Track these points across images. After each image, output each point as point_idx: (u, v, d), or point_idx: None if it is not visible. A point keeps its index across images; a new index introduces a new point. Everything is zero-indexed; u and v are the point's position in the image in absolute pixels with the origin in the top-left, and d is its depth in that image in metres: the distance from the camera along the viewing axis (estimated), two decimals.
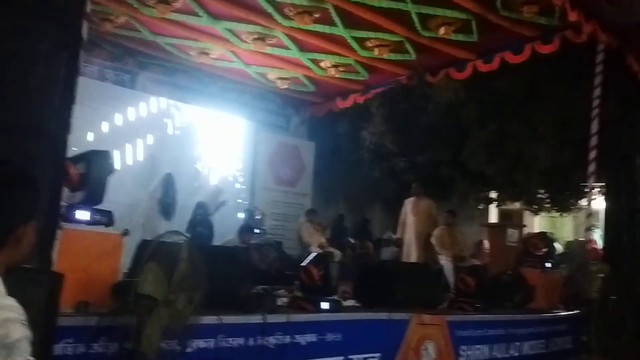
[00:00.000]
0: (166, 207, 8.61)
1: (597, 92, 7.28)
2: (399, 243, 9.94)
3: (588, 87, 7.43)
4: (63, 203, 3.91)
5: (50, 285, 2.74)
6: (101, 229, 3.94)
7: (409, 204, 9.67)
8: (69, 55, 3.02)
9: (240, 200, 10.65)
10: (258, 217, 9.60)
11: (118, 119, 9.28)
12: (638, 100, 7.76)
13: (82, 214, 3.80)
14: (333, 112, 11.15)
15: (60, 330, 3.15)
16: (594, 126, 7.26)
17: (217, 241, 9.13)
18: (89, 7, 3.52)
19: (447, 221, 9.14)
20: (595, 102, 7.28)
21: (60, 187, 2.93)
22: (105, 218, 3.88)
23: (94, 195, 3.92)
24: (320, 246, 9.38)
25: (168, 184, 8.84)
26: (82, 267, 3.64)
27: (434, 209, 9.70)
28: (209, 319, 3.75)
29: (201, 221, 8.61)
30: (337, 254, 8.98)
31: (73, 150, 4.01)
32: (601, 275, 6.82)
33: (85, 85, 8.18)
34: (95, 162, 4.01)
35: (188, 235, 8.15)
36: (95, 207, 3.91)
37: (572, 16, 6.61)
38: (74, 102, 3.22)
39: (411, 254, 9.35)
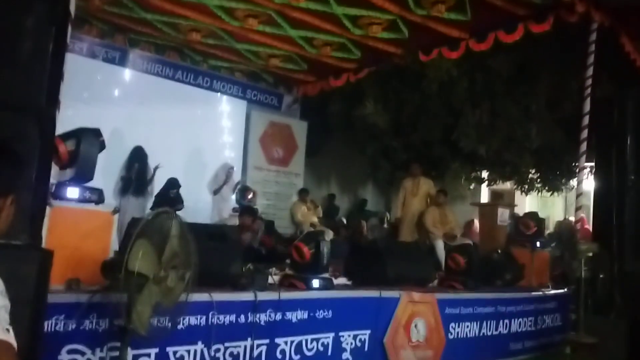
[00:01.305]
0: (126, 183, 8.38)
1: (589, 71, 7.28)
2: (398, 222, 9.98)
3: (580, 67, 7.43)
4: (53, 180, 3.91)
5: (40, 262, 2.73)
6: (91, 206, 3.94)
7: (407, 183, 9.67)
8: (56, 30, 2.98)
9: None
10: (250, 196, 9.61)
11: (108, 96, 9.23)
12: (629, 80, 7.76)
13: (72, 192, 3.80)
14: (325, 91, 11.10)
15: (51, 307, 3.15)
16: (586, 106, 7.27)
17: (208, 219, 9.15)
18: None
19: (438, 200, 9.19)
20: (587, 82, 7.28)
21: (48, 164, 2.92)
22: (95, 196, 3.87)
23: (83, 172, 3.91)
24: (312, 225, 9.42)
25: (134, 158, 8.55)
26: (73, 245, 3.64)
27: (433, 189, 9.72)
28: (200, 296, 3.77)
29: (173, 198, 8.38)
30: (329, 232, 9.01)
31: (62, 127, 4.00)
32: (590, 254, 6.86)
33: (75, 62, 8.20)
34: (85, 139, 3.99)
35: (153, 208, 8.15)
36: (85, 184, 3.91)
37: None
38: (62, 79, 3.18)
39: (409, 233, 9.36)
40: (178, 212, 3.28)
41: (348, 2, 7.71)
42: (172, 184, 8.52)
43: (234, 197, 9.76)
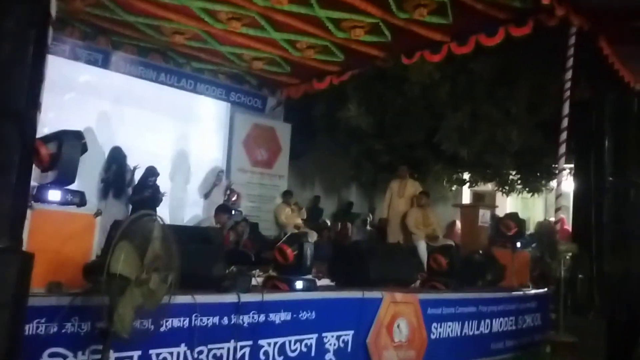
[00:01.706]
0: (106, 186, 8.28)
1: (569, 74, 7.37)
2: (384, 224, 10.02)
3: (559, 70, 7.53)
4: (34, 183, 3.89)
5: (21, 264, 2.72)
6: (73, 209, 3.93)
7: (394, 185, 9.69)
8: (37, 32, 2.98)
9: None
10: (234, 198, 9.62)
11: (91, 99, 9.18)
12: (607, 83, 7.88)
13: (54, 194, 3.79)
14: (309, 94, 11.12)
15: (32, 310, 3.14)
16: (565, 108, 7.35)
17: (192, 221, 9.14)
18: None
19: (420, 202, 9.25)
20: (567, 85, 7.38)
21: (29, 166, 2.91)
22: (77, 198, 3.87)
23: (65, 175, 3.90)
24: (296, 227, 9.44)
25: (111, 160, 8.45)
26: (54, 248, 3.64)
27: (419, 190, 9.74)
28: (183, 299, 3.78)
29: (152, 186, 8.32)
30: (313, 234, 9.05)
31: (44, 130, 4.00)
32: (569, 254, 6.96)
33: (57, 64, 8.15)
34: (67, 142, 3.98)
35: (134, 198, 8.07)
36: (67, 187, 3.90)
37: None
38: (44, 81, 3.18)
39: (397, 234, 9.37)
40: (158, 207, 3.30)
41: (331, 5, 7.74)
42: (151, 172, 8.43)
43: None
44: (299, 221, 10.06)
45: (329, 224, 11.58)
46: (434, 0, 7.36)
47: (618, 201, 7.56)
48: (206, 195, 9.50)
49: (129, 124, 9.51)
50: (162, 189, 8.46)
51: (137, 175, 8.54)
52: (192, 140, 10.58)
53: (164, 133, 10.00)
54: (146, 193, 8.04)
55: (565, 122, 7.32)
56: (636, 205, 7.55)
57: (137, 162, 8.57)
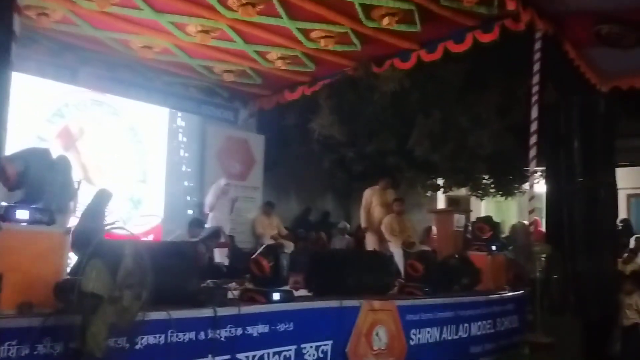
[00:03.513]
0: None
1: (536, 78, 7.50)
2: (362, 233, 10.00)
3: (527, 75, 7.66)
4: (2, 203, 3.82)
5: None
6: (43, 227, 3.85)
7: (373, 194, 9.63)
8: (0, 49, 2.93)
9: (189, 198, 10.57)
10: (208, 211, 9.54)
11: (59, 116, 9.05)
12: (574, 85, 8.03)
13: (22, 214, 3.71)
14: (281, 105, 11.13)
15: (2, 333, 3.07)
16: (534, 112, 7.47)
17: (166, 236, 9.03)
18: (21, 1, 3.42)
19: (395, 209, 9.28)
20: (535, 89, 7.50)
21: None
22: (46, 217, 3.79)
23: (33, 194, 3.83)
24: (273, 238, 9.40)
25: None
26: (24, 268, 3.55)
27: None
28: (157, 315, 3.72)
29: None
30: (289, 245, 9.02)
31: (10, 148, 3.92)
32: (543, 255, 7.05)
33: (23, 81, 8.03)
34: (34, 160, 3.91)
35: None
36: (35, 205, 3.82)
37: (510, 5, 6.78)
38: (8, 97, 3.12)
39: (377, 243, 9.32)
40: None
41: (300, 16, 7.77)
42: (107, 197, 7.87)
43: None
44: (275, 232, 10.00)
45: (305, 233, 11.55)
46: (401, 9, 7.44)
47: (589, 201, 7.68)
48: (210, 209, 9.32)
49: (97, 140, 9.40)
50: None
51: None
52: (164, 154, 10.48)
53: (134, 149, 9.91)
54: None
55: (534, 125, 7.44)
56: (606, 204, 7.68)
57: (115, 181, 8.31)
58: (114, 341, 3.38)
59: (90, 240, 3.47)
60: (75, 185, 7.42)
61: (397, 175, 10.61)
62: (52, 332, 3.28)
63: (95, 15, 7.72)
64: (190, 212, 9.95)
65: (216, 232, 7.88)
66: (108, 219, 7.16)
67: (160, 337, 3.78)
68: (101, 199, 7.20)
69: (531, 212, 7.72)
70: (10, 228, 3.59)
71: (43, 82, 8.77)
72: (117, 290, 3.08)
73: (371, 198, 9.71)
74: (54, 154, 4.31)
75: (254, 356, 4.35)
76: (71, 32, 8.29)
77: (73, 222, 6.59)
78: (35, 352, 3.23)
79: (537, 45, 7.49)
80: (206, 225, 8.29)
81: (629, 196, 13.92)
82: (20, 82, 7.95)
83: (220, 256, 8.36)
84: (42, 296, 3.45)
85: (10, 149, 4.12)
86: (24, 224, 3.72)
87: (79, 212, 6.84)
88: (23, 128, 8.28)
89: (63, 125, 9.06)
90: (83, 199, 6.84)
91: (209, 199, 9.43)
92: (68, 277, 3.59)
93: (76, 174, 7.66)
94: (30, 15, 7.43)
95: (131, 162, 9.85)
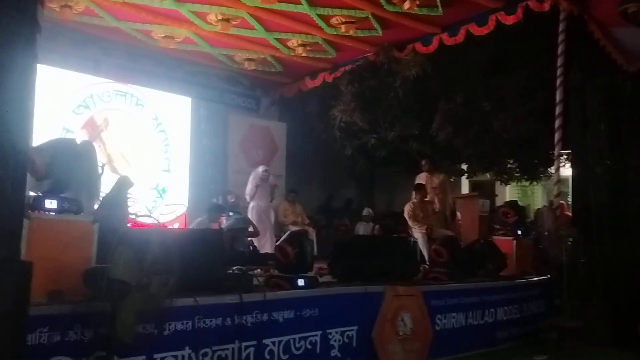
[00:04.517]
0: None
1: (561, 60, 7.38)
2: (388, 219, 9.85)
3: (552, 57, 7.53)
4: (31, 193, 3.88)
5: (19, 274, 2.71)
6: (71, 217, 3.91)
7: (421, 180, 9.44)
8: (25, 41, 2.96)
9: (213, 186, 10.63)
10: (232, 200, 9.60)
11: (84, 107, 9.16)
12: (600, 67, 7.88)
13: (50, 203, 3.77)
14: (303, 92, 11.13)
15: (34, 320, 3.14)
16: (559, 94, 7.37)
17: (191, 224, 9.09)
18: None
19: (418, 195, 9.19)
20: (559, 71, 7.38)
21: (23, 176, 2.89)
22: (74, 206, 3.84)
23: (60, 183, 3.89)
24: (295, 224, 9.42)
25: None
26: (54, 256, 3.61)
27: (448, 182, 9.49)
28: (185, 301, 3.77)
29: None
30: (312, 231, 9.03)
31: (37, 139, 3.98)
32: (570, 240, 6.96)
33: (48, 73, 8.14)
34: (61, 150, 3.98)
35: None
36: (63, 195, 3.88)
37: None
38: (34, 90, 3.16)
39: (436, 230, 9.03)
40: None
41: (320, 2, 7.74)
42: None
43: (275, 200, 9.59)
44: (299, 219, 10.01)
45: (325, 220, 11.59)
46: None
47: (616, 184, 7.54)
48: (250, 197, 9.29)
49: (123, 130, 9.51)
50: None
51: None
52: (188, 143, 10.55)
53: (158, 138, 10.01)
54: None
55: (559, 108, 7.34)
56: (634, 187, 7.55)
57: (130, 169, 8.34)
58: (142, 327, 3.43)
59: (113, 228, 3.52)
60: (100, 170, 7.53)
61: (420, 162, 10.52)
62: (82, 319, 3.34)
63: (117, 6, 7.79)
64: (214, 200, 10.01)
65: (244, 221, 7.94)
66: (131, 208, 7.24)
67: (187, 323, 3.84)
68: (122, 187, 7.30)
69: (557, 196, 7.63)
70: (39, 218, 3.65)
71: (68, 74, 8.88)
72: (145, 278, 3.13)
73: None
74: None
75: (280, 342, 4.39)
76: (94, 23, 8.37)
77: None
78: (66, 339, 3.31)
79: (562, 27, 7.36)
80: (231, 213, 8.32)
81: None
82: (46, 74, 8.09)
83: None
84: (71, 284, 3.51)
85: (37, 141, 4.18)
86: (53, 213, 3.78)
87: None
88: (49, 120, 8.40)
89: (88, 116, 9.17)
90: (106, 187, 6.94)
91: (248, 187, 9.33)
92: (96, 265, 3.64)
93: (100, 160, 7.81)
94: (54, 8, 7.52)
95: (155, 152, 9.96)
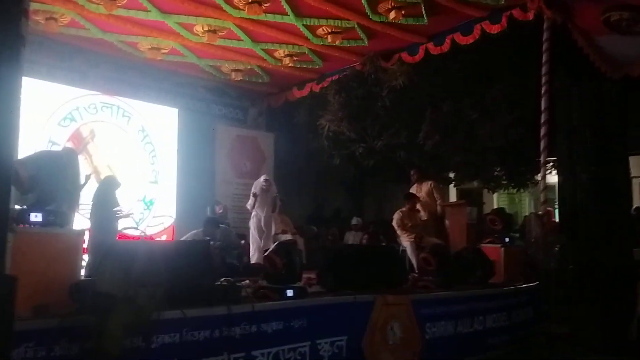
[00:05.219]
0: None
1: (546, 68, 7.44)
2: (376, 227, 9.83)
3: (537, 65, 7.59)
4: (16, 206, 3.84)
5: (3, 288, 2.68)
6: (57, 229, 3.88)
7: (411, 189, 9.37)
8: (10, 54, 2.94)
9: (201, 198, 10.56)
10: (220, 211, 9.55)
11: (70, 119, 9.11)
12: (585, 74, 7.96)
13: (36, 216, 3.74)
14: (290, 102, 11.15)
15: (20, 335, 3.09)
16: (544, 102, 7.42)
17: (179, 236, 9.04)
18: (29, 5, 3.43)
19: (407, 204, 9.19)
20: (544, 79, 7.44)
21: (7, 189, 2.86)
22: (60, 219, 3.82)
23: (45, 196, 3.86)
24: (285, 233, 9.38)
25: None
26: (39, 270, 3.58)
27: (437, 187, 9.46)
28: (172, 314, 3.74)
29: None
30: (300, 241, 9.00)
31: (23, 152, 3.95)
32: (558, 246, 7.01)
33: (34, 86, 8.10)
34: (45, 163, 3.95)
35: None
36: (48, 208, 3.85)
37: None
38: (20, 102, 3.14)
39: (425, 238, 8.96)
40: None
41: (306, 12, 7.77)
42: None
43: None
44: (287, 229, 9.96)
45: (315, 230, 11.56)
46: (407, 2, 7.41)
47: (602, 190, 7.60)
48: (251, 206, 9.18)
49: (108, 142, 9.47)
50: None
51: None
52: (174, 154, 10.51)
53: (144, 149, 9.97)
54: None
55: (545, 116, 7.38)
56: (620, 193, 7.61)
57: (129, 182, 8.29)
58: (129, 340, 3.40)
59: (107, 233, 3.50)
60: (83, 180, 7.42)
61: (408, 170, 10.55)
62: (68, 333, 3.30)
63: (103, 18, 7.77)
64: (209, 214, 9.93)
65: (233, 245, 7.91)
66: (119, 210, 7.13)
67: (175, 335, 3.79)
68: (109, 186, 7.26)
69: (544, 203, 7.67)
70: (24, 231, 3.62)
71: (54, 87, 8.84)
72: (132, 290, 3.10)
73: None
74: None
75: (269, 353, 4.36)
76: (80, 35, 8.35)
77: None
78: (52, 354, 3.26)
79: (546, 35, 7.43)
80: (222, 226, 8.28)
81: None
82: (32, 86, 8.05)
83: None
84: (57, 298, 3.48)
85: (22, 154, 4.14)
86: (38, 226, 3.75)
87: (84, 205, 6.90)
88: (35, 132, 8.35)
89: (74, 129, 9.13)
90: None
91: (251, 198, 9.23)
92: (83, 278, 3.61)
93: (85, 169, 7.72)
94: (39, 20, 7.50)
95: (142, 163, 9.92)
